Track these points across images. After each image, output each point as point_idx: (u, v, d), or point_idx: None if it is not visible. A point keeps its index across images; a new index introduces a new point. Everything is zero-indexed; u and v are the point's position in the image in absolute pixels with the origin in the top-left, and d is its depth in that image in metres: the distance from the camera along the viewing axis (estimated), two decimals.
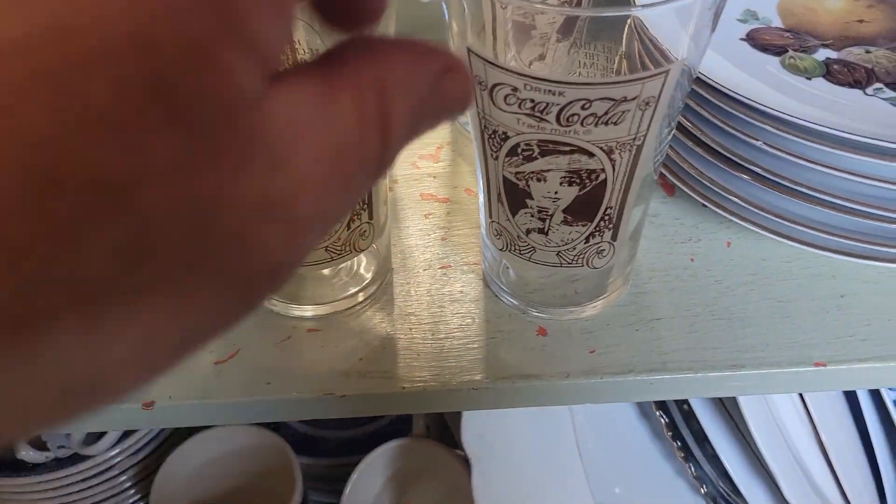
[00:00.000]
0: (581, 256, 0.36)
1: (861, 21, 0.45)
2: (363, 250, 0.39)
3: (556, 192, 0.33)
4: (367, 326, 0.41)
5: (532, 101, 0.29)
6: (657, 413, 0.59)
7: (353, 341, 0.40)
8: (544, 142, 0.31)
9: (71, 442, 0.61)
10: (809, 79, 0.42)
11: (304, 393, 0.38)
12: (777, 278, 0.42)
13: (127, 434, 0.63)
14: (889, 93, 0.41)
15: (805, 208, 0.40)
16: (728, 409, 0.56)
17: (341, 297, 0.42)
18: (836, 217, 0.40)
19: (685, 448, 0.60)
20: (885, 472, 0.57)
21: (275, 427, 0.69)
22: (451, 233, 0.46)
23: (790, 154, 0.38)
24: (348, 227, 0.37)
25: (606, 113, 0.29)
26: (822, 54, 0.43)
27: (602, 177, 0.32)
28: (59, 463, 0.61)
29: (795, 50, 0.44)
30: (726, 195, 0.42)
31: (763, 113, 0.37)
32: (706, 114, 0.40)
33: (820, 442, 0.55)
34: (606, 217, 0.35)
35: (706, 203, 0.44)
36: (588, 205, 0.34)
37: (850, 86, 0.41)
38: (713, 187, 0.42)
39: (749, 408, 0.52)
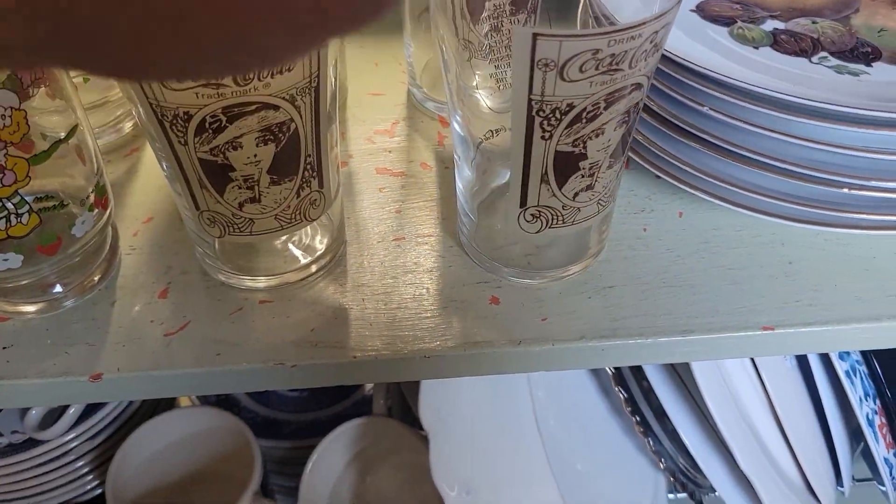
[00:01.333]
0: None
1: None
2: (314, 220, 0.39)
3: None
4: (319, 297, 0.41)
5: None
6: (616, 389, 0.59)
7: (305, 312, 0.40)
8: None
9: (25, 427, 0.60)
10: (757, 48, 0.42)
11: (255, 363, 0.38)
12: (728, 247, 0.43)
13: (83, 418, 0.62)
14: (834, 61, 0.41)
15: (754, 175, 0.40)
16: (686, 385, 0.57)
17: (294, 269, 0.41)
18: (784, 183, 0.40)
19: (644, 423, 0.60)
20: (839, 443, 0.58)
21: (236, 411, 0.68)
22: (406, 205, 0.46)
23: (738, 120, 0.38)
24: (298, 194, 0.37)
25: None
26: (770, 25, 0.44)
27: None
28: (12, 448, 0.60)
29: (744, 21, 0.44)
30: (678, 164, 0.42)
31: (710, 79, 0.38)
32: (657, 83, 0.41)
33: (775, 414, 0.56)
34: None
35: (659, 173, 0.44)
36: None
37: (797, 54, 0.42)
38: (665, 157, 0.42)
39: (704, 382, 0.52)
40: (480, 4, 0.40)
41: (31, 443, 0.61)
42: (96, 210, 0.39)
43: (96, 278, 0.41)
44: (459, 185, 0.40)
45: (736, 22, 0.44)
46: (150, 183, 0.47)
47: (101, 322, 0.40)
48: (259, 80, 0.31)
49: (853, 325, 0.39)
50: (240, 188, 0.35)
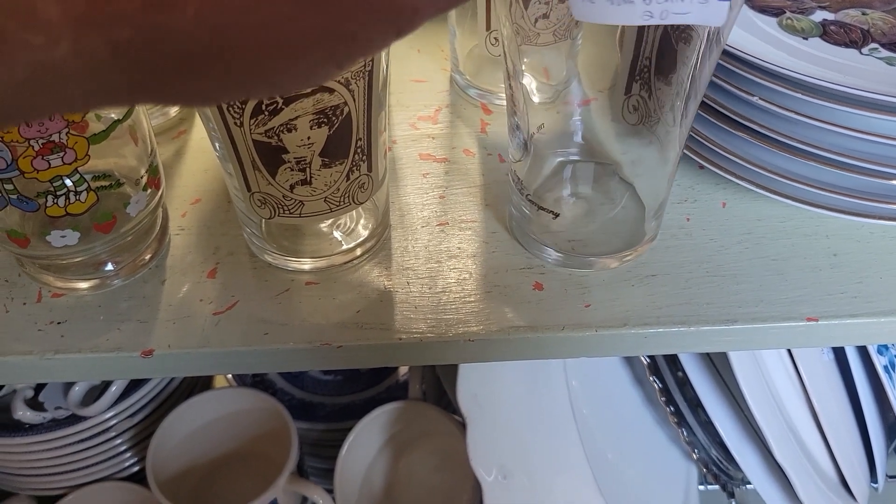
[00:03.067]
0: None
1: None
2: (362, 203, 0.39)
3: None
4: (364, 280, 0.41)
5: None
6: (650, 379, 0.59)
7: (350, 294, 0.41)
8: None
9: (68, 403, 0.61)
10: (806, 38, 0.42)
11: (301, 343, 0.39)
12: (771, 238, 0.43)
13: (124, 396, 0.63)
14: (884, 52, 0.41)
15: (800, 165, 0.40)
16: (722, 375, 0.57)
17: (339, 251, 0.42)
18: (830, 173, 0.40)
19: (678, 414, 0.60)
20: (875, 439, 0.58)
21: (271, 392, 0.69)
22: (449, 191, 0.46)
23: (786, 110, 0.38)
24: (347, 178, 0.37)
25: None
26: (819, 16, 0.44)
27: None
28: (55, 424, 0.62)
29: (793, 11, 0.44)
30: (723, 153, 0.42)
31: (760, 68, 0.38)
32: None
33: (811, 407, 0.55)
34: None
35: (703, 163, 0.44)
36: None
37: (846, 46, 0.41)
38: (710, 146, 0.42)
39: (742, 373, 0.52)
40: None
41: (74, 419, 0.62)
42: (149, 190, 0.40)
43: (147, 257, 0.42)
44: (513, 168, 0.41)
45: (785, 12, 0.44)
46: (197, 165, 0.48)
47: (152, 300, 0.40)
48: None
49: None
50: (292, 170, 0.36)
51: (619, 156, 0.43)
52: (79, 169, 0.35)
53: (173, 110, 0.52)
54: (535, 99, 0.40)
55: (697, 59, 0.33)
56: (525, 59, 0.40)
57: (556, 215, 0.41)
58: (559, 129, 0.43)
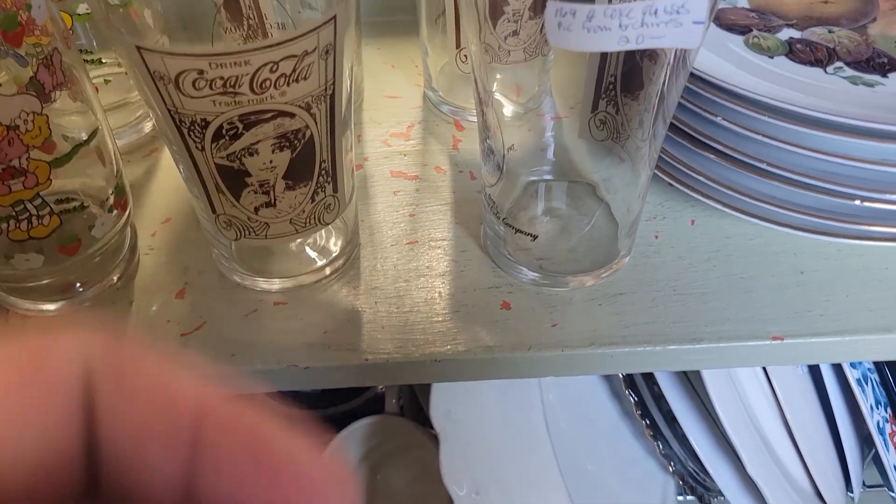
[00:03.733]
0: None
1: (826, 2, 0.46)
2: (328, 223, 0.39)
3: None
4: (333, 300, 0.41)
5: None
6: (627, 392, 0.59)
7: (318, 314, 0.41)
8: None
9: None
10: (772, 57, 0.42)
11: (269, 364, 0.39)
12: (739, 255, 0.43)
13: None
14: (849, 71, 0.41)
15: (767, 185, 0.41)
16: (696, 390, 0.57)
17: (308, 271, 0.42)
18: (796, 194, 0.40)
19: (654, 427, 0.60)
20: (849, 449, 0.58)
21: None
22: (420, 209, 0.46)
23: (750, 130, 0.38)
24: (312, 199, 0.37)
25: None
26: (786, 34, 0.44)
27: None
28: None
29: (760, 30, 0.44)
30: (691, 173, 0.42)
31: (724, 90, 0.38)
32: None
33: (784, 419, 0.56)
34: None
35: (671, 181, 0.44)
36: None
37: (812, 64, 0.42)
38: (678, 166, 0.43)
39: (714, 388, 0.52)
40: (500, 7, 0.41)
41: None
42: (115, 211, 0.40)
43: (115, 278, 0.42)
44: (487, 191, 0.41)
45: (752, 31, 0.44)
46: (168, 184, 0.48)
47: (119, 322, 0.40)
48: (275, 88, 0.31)
49: (863, 336, 0.39)
50: (255, 193, 0.36)
51: (592, 174, 0.43)
52: (41, 193, 0.35)
53: (146, 127, 0.52)
54: (507, 118, 0.40)
55: (665, 79, 0.33)
56: (497, 77, 0.40)
57: (535, 237, 0.41)
58: (531, 147, 0.43)
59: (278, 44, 0.30)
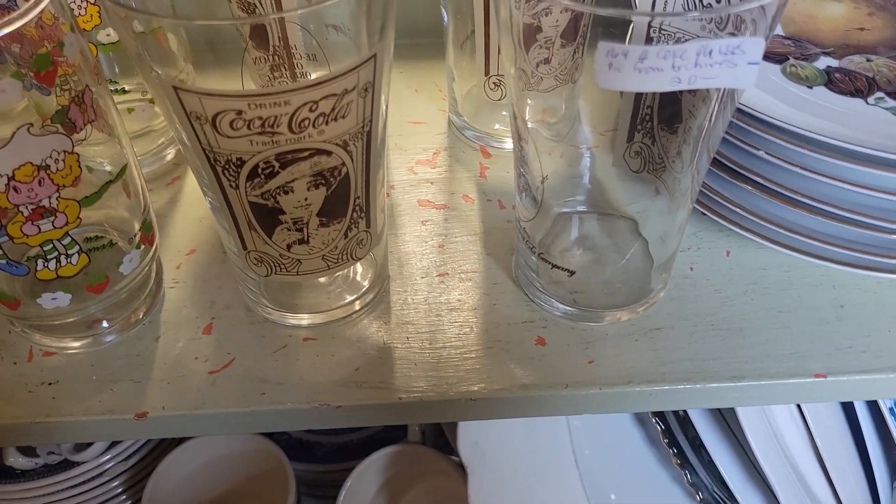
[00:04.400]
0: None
1: (862, 29, 0.45)
2: (360, 259, 0.38)
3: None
4: (363, 335, 0.41)
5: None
6: (653, 420, 0.59)
7: (349, 351, 0.40)
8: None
9: (61, 448, 0.60)
10: (811, 87, 0.41)
11: (300, 403, 0.38)
12: (777, 288, 0.42)
13: (118, 440, 0.62)
14: (890, 102, 0.40)
15: (806, 218, 0.40)
16: (724, 417, 0.56)
17: (338, 306, 0.41)
18: (836, 227, 0.39)
19: (681, 455, 0.59)
20: (881, 481, 0.57)
21: (269, 433, 0.68)
22: (449, 240, 0.45)
23: (792, 164, 0.37)
24: (346, 235, 0.37)
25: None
26: (823, 62, 0.43)
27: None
28: (48, 469, 0.60)
29: (796, 58, 0.43)
30: (727, 204, 0.41)
31: (765, 123, 0.37)
32: None
33: (816, 450, 0.55)
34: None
35: (705, 211, 0.43)
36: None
37: (852, 95, 0.41)
38: (714, 196, 0.42)
39: (746, 416, 0.51)
40: (533, 35, 0.40)
41: (67, 464, 0.61)
42: (143, 246, 0.39)
43: (141, 314, 0.41)
44: (522, 225, 0.40)
45: (788, 59, 0.43)
46: (192, 214, 0.47)
47: (146, 358, 0.40)
48: (314, 127, 0.31)
49: None
50: (289, 230, 0.35)
51: (627, 206, 0.42)
52: (69, 232, 0.34)
53: (169, 155, 0.51)
54: (541, 148, 0.39)
55: (711, 114, 0.32)
56: (529, 103, 0.39)
57: (572, 273, 0.40)
58: (564, 177, 0.42)
59: (318, 83, 0.29)
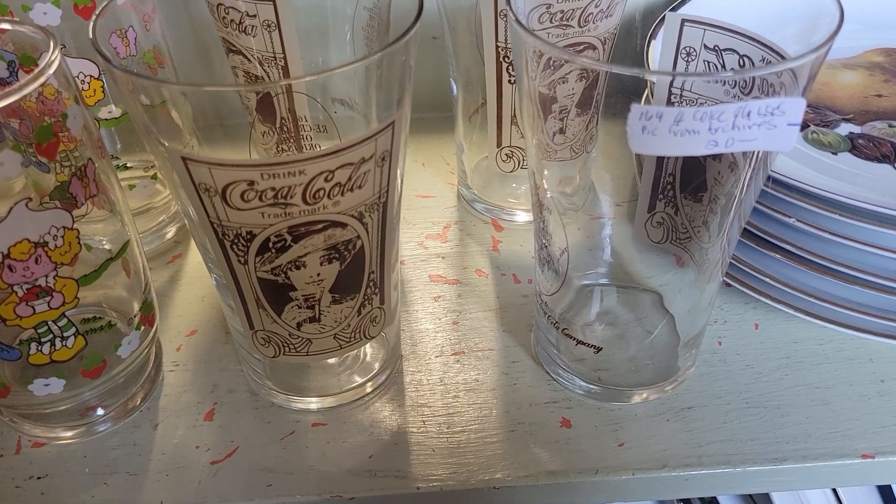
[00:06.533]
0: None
1: (880, 96, 0.44)
2: (373, 337, 0.36)
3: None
4: (376, 420, 0.38)
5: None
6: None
7: (362, 437, 0.37)
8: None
9: None
10: (835, 153, 0.40)
11: (310, 495, 0.35)
12: (811, 362, 0.40)
13: None
14: None
15: (839, 287, 0.38)
16: (755, 501, 0.53)
17: (348, 388, 0.39)
18: (871, 296, 0.38)
19: None
20: None
21: None
22: (463, 316, 0.43)
23: (825, 231, 0.36)
24: (359, 312, 0.34)
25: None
26: (845, 129, 0.42)
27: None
28: None
29: (817, 125, 0.42)
30: (756, 274, 0.40)
31: (795, 189, 0.36)
32: None
33: None
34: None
35: (732, 283, 0.41)
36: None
37: (879, 160, 0.40)
38: (741, 266, 0.40)
39: (781, 500, 0.48)
40: (549, 105, 0.39)
41: None
42: (143, 328, 0.37)
43: (139, 399, 0.38)
44: (544, 300, 0.38)
45: (809, 126, 0.42)
46: (193, 293, 0.45)
47: (143, 448, 0.37)
48: (329, 198, 0.29)
49: None
50: (299, 308, 0.33)
51: (649, 279, 0.40)
52: (66, 312, 0.32)
53: (169, 233, 0.49)
54: (561, 218, 0.38)
55: (744, 182, 0.31)
56: (546, 174, 0.38)
57: (599, 350, 0.38)
58: (582, 249, 0.40)
59: (335, 152, 0.28)
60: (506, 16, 0.41)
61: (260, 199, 0.28)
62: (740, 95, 0.32)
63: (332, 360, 0.40)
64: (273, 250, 0.30)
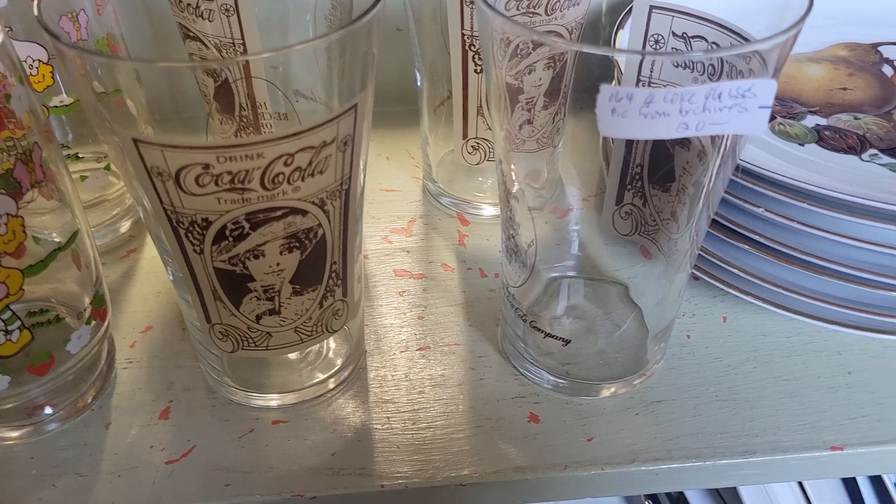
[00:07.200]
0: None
1: (845, 89, 0.44)
2: (336, 331, 0.35)
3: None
4: (339, 416, 0.37)
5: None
6: (646, 502, 0.55)
7: (324, 434, 0.36)
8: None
9: None
10: (802, 144, 0.40)
11: (269, 495, 0.34)
12: (779, 355, 0.40)
13: None
14: (885, 158, 0.39)
15: (806, 277, 0.38)
16: (722, 496, 0.53)
17: (310, 385, 0.38)
18: (839, 286, 0.37)
19: None
20: None
21: None
22: (429, 311, 0.42)
23: (794, 221, 0.36)
24: (321, 305, 0.33)
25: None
26: (811, 121, 0.42)
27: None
28: None
29: (784, 117, 0.42)
30: (724, 266, 0.39)
31: (764, 178, 0.35)
32: None
33: None
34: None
35: (700, 275, 0.41)
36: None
37: (845, 151, 0.40)
38: (709, 258, 0.40)
39: (748, 494, 0.48)
40: (515, 95, 0.38)
41: None
42: (94, 322, 0.35)
43: (90, 398, 0.37)
44: (511, 292, 0.37)
45: (776, 118, 0.42)
46: (148, 287, 0.44)
47: (94, 448, 0.35)
48: (289, 183, 0.28)
49: None
50: (258, 299, 0.32)
51: (616, 271, 0.40)
52: (10, 305, 0.31)
53: (124, 227, 0.47)
54: (528, 211, 0.37)
55: (712, 170, 0.30)
56: (512, 167, 0.37)
57: (567, 342, 0.37)
58: (550, 242, 0.40)
59: (294, 134, 0.27)
60: (472, 2, 0.40)
61: (216, 183, 0.27)
62: (709, 83, 0.32)
63: (293, 356, 0.39)
64: (230, 238, 0.29)
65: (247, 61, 0.39)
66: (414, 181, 0.52)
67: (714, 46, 0.32)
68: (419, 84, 0.47)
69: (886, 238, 0.35)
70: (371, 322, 0.42)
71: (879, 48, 0.48)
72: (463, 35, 0.41)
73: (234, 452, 0.35)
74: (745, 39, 0.31)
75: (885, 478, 0.51)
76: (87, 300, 0.35)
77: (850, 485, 0.54)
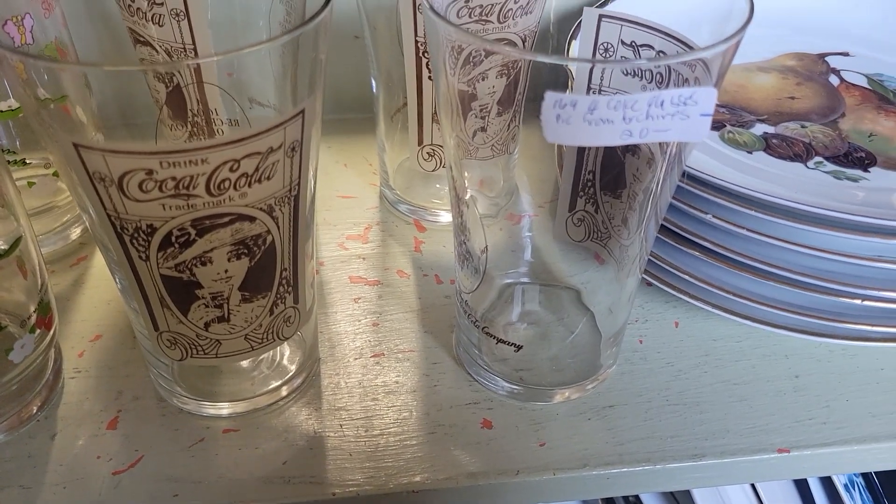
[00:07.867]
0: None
1: (792, 98, 0.45)
2: (287, 338, 0.35)
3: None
4: (291, 424, 0.36)
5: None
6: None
7: (275, 442, 0.36)
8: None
9: None
10: (750, 152, 0.41)
11: None
12: (730, 359, 0.40)
13: None
14: (830, 166, 0.40)
15: (754, 283, 0.38)
16: (678, 500, 0.53)
17: (262, 393, 0.37)
18: (786, 292, 0.38)
19: None
20: None
21: None
22: (384, 318, 0.42)
23: (741, 227, 0.36)
24: (271, 312, 0.33)
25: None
26: (760, 129, 0.43)
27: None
28: None
29: (733, 125, 0.43)
30: (674, 272, 0.40)
31: (712, 186, 0.36)
32: None
33: None
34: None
35: (651, 280, 0.42)
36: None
37: (791, 159, 0.40)
38: (661, 264, 0.40)
39: (702, 497, 0.49)
40: (468, 102, 0.39)
41: None
42: (38, 331, 0.34)
43: (35, 408, 0.36)
44: (464, 297, 0.37)
45: (725, 126, 0.43)
46: (98, 296, 0.43)
47: (39, 460, 0.34)
48: (235, 189, 0.28)
49: (872, 445, 0.36)
50: (207, 307, 0.31)
51: (570, 277, 0.40)
52: None
53: (74, 234, 0.47)
54: (480, 217, 0.37)
55: (659, 176, 0.31)
56: (466, 174, 0.37)
57: (518, 348, 0.37)
58: (504, 248, 0.40)
59: (240, 139, 0.26)
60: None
61: (160, 189, 0.27)
62: (657, 90, 0.32)
63: (244, 363, 0.38)
64: (176, 245, 0.29)
65: (198, 65, 0.38)
66: (371, 188, 0.52)
67: (661, 56, 0.33)
68: (375, 91, 0.47)
69: (831, 244, 0.36)
70: (325, 329, 0.41)
71: (826, 58, 0.49)
72: (417, 42, 0.41)
73: (184, 462, 0.35)
74: (690, 48, 0.32)
75: (835, 478, 0.52)
76: (31, 308, 0.34)
77: (802, 486, 0.55)
